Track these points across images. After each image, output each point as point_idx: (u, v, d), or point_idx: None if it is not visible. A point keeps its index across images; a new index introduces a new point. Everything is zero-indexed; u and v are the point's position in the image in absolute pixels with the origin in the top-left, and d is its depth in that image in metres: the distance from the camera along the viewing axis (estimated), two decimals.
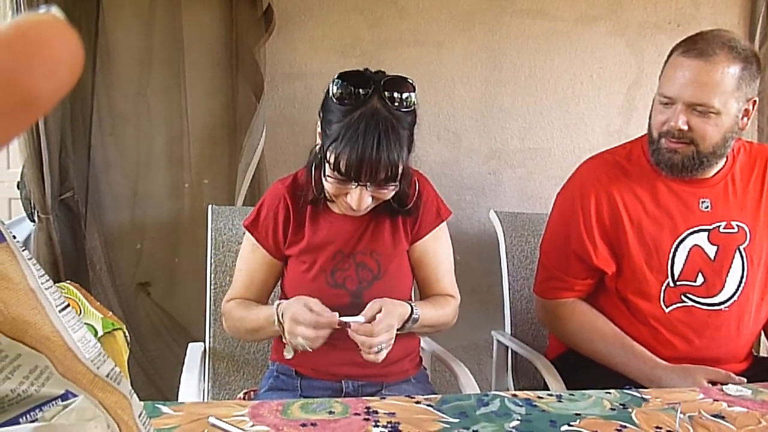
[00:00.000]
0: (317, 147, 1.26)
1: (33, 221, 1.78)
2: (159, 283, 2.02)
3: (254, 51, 1.88)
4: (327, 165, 1.17)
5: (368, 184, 1.17)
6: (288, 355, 1.22)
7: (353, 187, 1.18)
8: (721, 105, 1.32)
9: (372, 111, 1.14)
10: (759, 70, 1.36)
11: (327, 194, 1.27)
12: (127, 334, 0.73)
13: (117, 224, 1.97)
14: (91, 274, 1.92)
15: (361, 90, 1.15)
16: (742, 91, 1.33)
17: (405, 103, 1.17)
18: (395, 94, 1.16)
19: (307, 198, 1.30)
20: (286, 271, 1.35)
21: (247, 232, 1.35)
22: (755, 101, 1.38)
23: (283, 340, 1.20)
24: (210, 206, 1.70)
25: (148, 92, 1.93)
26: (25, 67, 0.19)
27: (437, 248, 1.37)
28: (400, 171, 1.17)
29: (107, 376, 0.48)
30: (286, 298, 1.34)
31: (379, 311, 1.16)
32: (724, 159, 1.45)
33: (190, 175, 1.98)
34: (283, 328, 1.17)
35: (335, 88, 1.16)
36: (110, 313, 0.72)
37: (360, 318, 1.16)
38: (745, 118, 1.38)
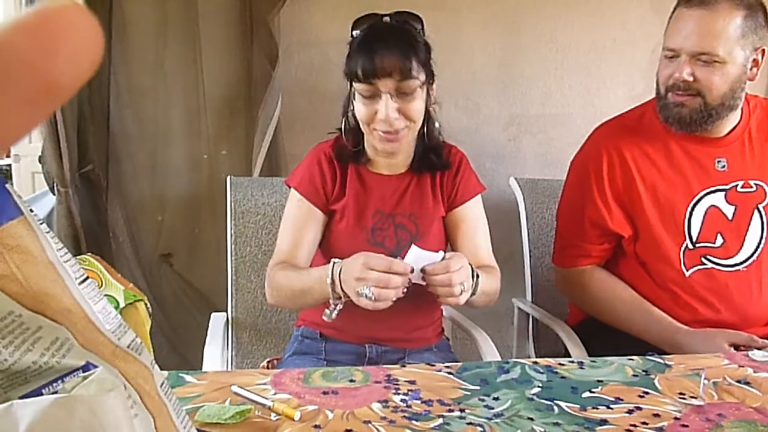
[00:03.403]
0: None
1: (54, 195, 1.80)
2: (181, 255, 2.04)
3: (269, 20, 1.86)
4: (352, 88, 1.24)
5: (393, 91, 1.21)
6: (327, 318, 1.18)
7: (379, 99, 1.22)
8: (726, 54, 1.30)
9: (381, 23, 1.24)
10: (766, 18, 1.34)
11: (366, 152, 1.33)
12: (148, 305, 0.74)
13: (138, 197, 1.99)
14: (114, 247, 1.94)
15: (372, 20, 1.25)
16: (747, 39, 1.32)
17: (417, 27, 1.27)
18: (405, 17, 1.26)
19: (349, 154, 1.33)
20: (327, 229, 1.35)
21: (291, 192, 1.35)
22: (764, 51, 1.36)
23: (331, 301, 1.17)
24: (229, 177, 1.70)
25: (164, 64, 1.93)
26: (47, 54, 0.19)
27: (475, 217, 1.38)
28: (415, 67, 1.21)
29: (128, 347, 0.48)
30: (327, 258, 1.34)
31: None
32: (738, 114, 1.43)
33: (208, 147, 1.98)
34: (335, 286, 1.13)
35: (353, 29, 1.27)
36: (131, 284, 0.73)
37: (435, 256, 1.12)
38: (755, 69, 1.36)
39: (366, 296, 1.08)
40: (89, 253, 0.73)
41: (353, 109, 1.28)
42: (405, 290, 1.10)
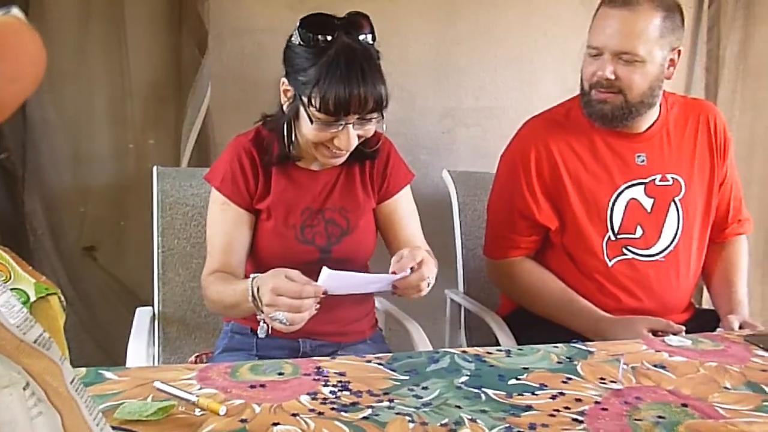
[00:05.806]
0: (286, 103, 1.23)
1: None
2: (105, 247, 1.95)
3: (198, 5, 1.80)
4: (312, 109, 1.15)
5: (355, 120, 1.16)
6: (261, 333, 1.12)
7: (340, 127, 1.16)
8: (646, 53, 1.37)
9: (346, 46, 1.14)
10: (682, 20, 1.42)
11: (297, 150, 1.26)
12: (62, 298, 0.70)
13: (58, 187, 1.89)
14: (32, 239, 1.84)
15: (327, 30, 1.15)
16: (666, 40, 1.39)
17: (370, 36, 1.19)
18: (360, 29, 1.17)
19: (275, 155, 1.27)
20: (254, 228, 1.30)
21: (213, 194, 1.28)
22: (680, 51, 1.43)
23: (258, 317, 1.11)
24: (155, 167, 1.65)
25: (86, 48, 1.83)
26: None
27: (407, 206, 1.38)
28: (385, 99, 1.17)
29: (35, 342, 0.45)
30: (254, 258, 1.30)
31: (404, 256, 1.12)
32: (656, 111, 1.50)
33: (135, 135, 1.90)
34: (257, 303, 1.07)
35: (301, 34, 1.16)
36: (44, 277, 0.69)
37: (350, 275, 1.10)
38: (671, 68, 1.44)
39: (280, 321, 1.02)
40: None
41: (290, 124, 1.23)
42: (318, 307, 1.04)
